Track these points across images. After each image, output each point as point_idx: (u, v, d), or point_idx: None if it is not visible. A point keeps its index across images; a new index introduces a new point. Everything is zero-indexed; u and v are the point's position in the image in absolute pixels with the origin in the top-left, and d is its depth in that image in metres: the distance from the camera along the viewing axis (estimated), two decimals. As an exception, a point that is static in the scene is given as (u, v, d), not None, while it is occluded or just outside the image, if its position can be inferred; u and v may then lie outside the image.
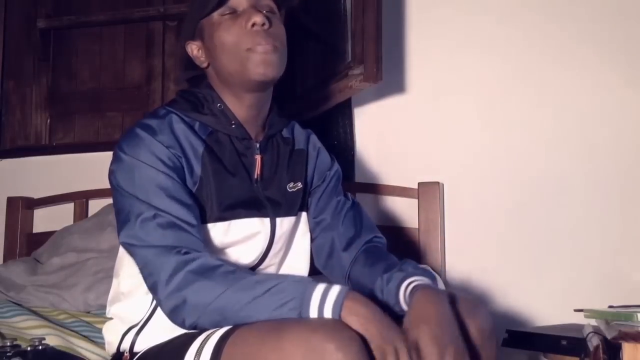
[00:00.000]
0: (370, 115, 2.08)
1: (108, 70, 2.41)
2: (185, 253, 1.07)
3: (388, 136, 2.07)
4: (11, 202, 2.31)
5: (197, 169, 1.15)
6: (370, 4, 1.68)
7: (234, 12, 1.18)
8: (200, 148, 1.17)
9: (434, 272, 1.70)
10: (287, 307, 0.98)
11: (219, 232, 1.17)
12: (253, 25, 1.15)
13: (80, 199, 2.26)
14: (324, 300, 0.98)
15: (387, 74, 1.76)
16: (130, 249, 1.11)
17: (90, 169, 2.29)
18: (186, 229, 1.09)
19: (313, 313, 0.97)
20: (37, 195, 2.33)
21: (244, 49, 1.16)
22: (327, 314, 0.97)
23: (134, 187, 1.11)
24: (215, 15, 1.19)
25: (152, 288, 1.08)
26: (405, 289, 1.10)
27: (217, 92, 1.22)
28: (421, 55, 2.05)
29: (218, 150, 1.19)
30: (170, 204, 1.09)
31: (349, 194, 1.39)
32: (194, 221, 1.10)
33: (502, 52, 1.98)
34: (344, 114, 2.03)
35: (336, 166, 1.39)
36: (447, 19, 2.04)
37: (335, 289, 0.99)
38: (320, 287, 0.99)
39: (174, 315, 1.06)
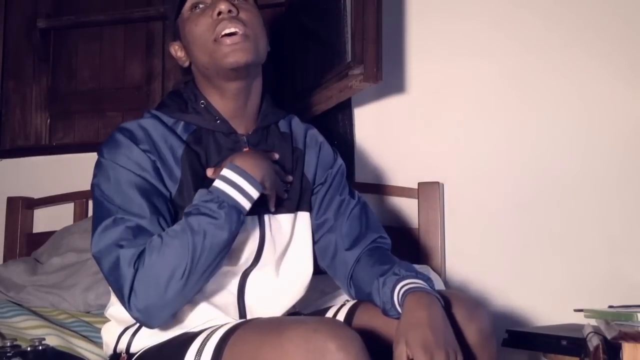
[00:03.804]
0: (370, 115, 2.09)
1: (108, 70, 2.41)
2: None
3: (388, 136, 2.07)
4: (11, 202, 2.31)
5: (177, 172, 1.14)
6: (370, 4, 1.68)
7: (202, 6, 1.19)
8: (179, 150, 1.16)
9: (429, 273, 1.71)
10: (222, 212, 1.04)
11: None
12: (219, 14, 1.15)
13: (80, 199, 2.26)
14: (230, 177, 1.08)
15: (387, 74, 1.76)
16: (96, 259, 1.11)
17: (90, 169, 2.21)
18: (151, 233, 1.08)
19: (236, 195, 1.07)
20: (37, 195, 2.33)
21: (212, 40, 1.16)
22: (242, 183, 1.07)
23: (110, 190, 1.11)
24: (185, 11, 1.20)
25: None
26: (398, 293, 1.09)
27: (200, 90, 1.22)
28: (421, 55, 2.05)
29: (200, 149, 1.18)
30: (141, 208, 1.09)
31: (356, 192, 1.34)
32: (158, 230, 1.08)
33: (502, 53, 1.98)
34: (344, 113, 2.03)
35: (339, 162, 1.35)
36: (447, 19, 2.04)
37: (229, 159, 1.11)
38: (219, 181, 1.09)
39: (151, 318, 1.06)
